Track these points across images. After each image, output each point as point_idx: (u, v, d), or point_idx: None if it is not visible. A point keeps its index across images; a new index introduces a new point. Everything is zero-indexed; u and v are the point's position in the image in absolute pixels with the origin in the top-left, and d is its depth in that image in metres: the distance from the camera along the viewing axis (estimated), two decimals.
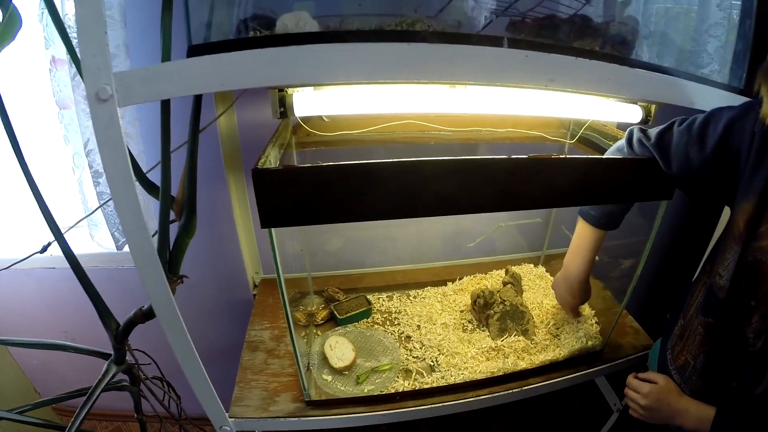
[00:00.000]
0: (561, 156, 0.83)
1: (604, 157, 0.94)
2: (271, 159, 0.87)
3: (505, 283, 1.25)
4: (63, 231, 0.84)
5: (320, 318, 1.25)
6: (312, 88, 0.89)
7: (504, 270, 1.35)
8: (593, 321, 1.23)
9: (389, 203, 0.80)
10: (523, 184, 0.82)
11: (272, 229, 0.83)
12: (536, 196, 0.85)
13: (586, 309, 1.27)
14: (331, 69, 0.69)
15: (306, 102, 0.86)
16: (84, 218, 1.31)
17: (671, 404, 0.84)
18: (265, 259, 1.43)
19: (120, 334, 0.93)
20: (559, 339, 1.19)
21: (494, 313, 1.16)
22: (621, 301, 1.14)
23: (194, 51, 0.73)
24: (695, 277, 0.87)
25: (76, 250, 0.84)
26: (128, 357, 0.97)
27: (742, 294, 0.70)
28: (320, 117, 1.12)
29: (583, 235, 1.03)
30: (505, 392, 1.09)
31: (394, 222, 1.44)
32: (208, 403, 0.94)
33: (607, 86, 0.81)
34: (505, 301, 1.17)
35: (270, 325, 1.31)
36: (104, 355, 0.98)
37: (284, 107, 0.85)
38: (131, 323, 0.90)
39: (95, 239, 1.36)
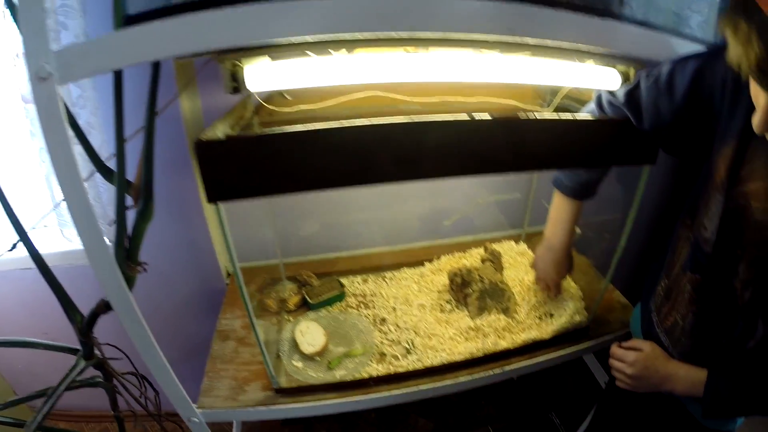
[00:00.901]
0: (529, 113, 0.76)
1: (574, 116, 0.88)
2: (218, 133, 0.81)
3: (483, 261, 1.19)
4: (30, 229, 0.80)
5: (292, 304, 1.20)
6: (268, 59, 0.84)
7: (483, 248, 1.29)
8: (578, 296, 1.18)
9: (343, 170, 0.74)
10: (488, 145, 0.76)
11: (221, 206, 0.77)
12: (503, 159, 0.79)
13: (570, 284, 1.22)
14: (268, 25, 0.63)
15: (261, 75, 0.80)
16: (46, 215, 1.27)
17: (659, 370, 0.80)
18: (238, 246, 1.38)
19: (84, 326, 0.88)
20: (542, 316, 1.13)
21: (472, 292, 1.10)
22: (607, 277, 1.08)
23: (130, 21, 0.68)
24: (675, 232, 0.83)
25: (51, 248, 0.80)
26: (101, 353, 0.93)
27: (729, 245, 0.67)
28: (282, 95, 1.07)
29: (559, 206, 1.00)
30: (486, 373, 1.04)
31: (370, 204, 1.38)
32: (174, 394, 0.90)
33: (575, 35, 0.74)
34: (483, 279, 1.11)
35: (242, 314, 1.26)
36: (75, 351, 0.93)
37: (237, 82, 0.80)
38: (94, 315, 0.86)
39: (65, 235, 1.32)
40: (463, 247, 1.38)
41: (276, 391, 1.02)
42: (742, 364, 0.72)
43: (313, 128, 0.70)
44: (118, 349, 1.00)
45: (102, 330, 0.86)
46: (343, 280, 1.25)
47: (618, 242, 1.03)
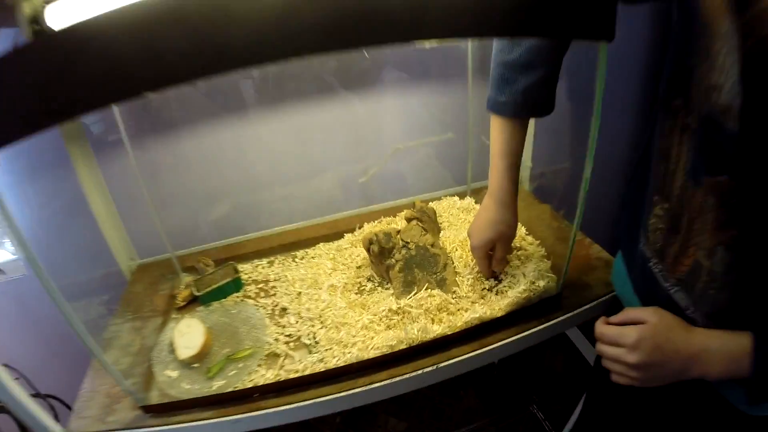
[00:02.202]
0: None
1: None
2: None
3: (409, 220, 0.89)
4: None
5: (181, 299, 0.94)
6: None
7: (412, 206, 0.98)
8: (540, 254, 0.86)
9: (157, 66, 0.44)
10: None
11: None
12: (388, 23, 0.47)
13: (527, 240, 0.90)
14: None
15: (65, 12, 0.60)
16: None
17: (680, 348, 0.52)
18: (139, 242, 1.13)
19: None
20: (493, 286, 0.83)
21: (395, 262, 0.81)
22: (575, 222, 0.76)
23: None
24: (658, 129, 0.56)
25: None
26: None
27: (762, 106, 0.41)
28: None
29: (500, 136, 0.73)
30: (413, 373, 0.75)
31: (287, 177, 1.10)
32: (30, 421, 0.70)
33: None
34: (408, 243, 0.81)
35: (132, 317, 1.02)
36: None
37: (38, 23, 0.61)
38: None
39: None
40: (396, 212, 1.08)
41: (144, 409, 0.78)
42: None
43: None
44: (16, 371, 0.95)
45: None
46: (246, 265, 0.98)
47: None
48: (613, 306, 0.79)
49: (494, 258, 0.80)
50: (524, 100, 0.68)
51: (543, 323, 0.80)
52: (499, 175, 0.75)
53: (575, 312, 0.82)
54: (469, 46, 1.00)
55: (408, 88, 1.08)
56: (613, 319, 0.60)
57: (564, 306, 0.82)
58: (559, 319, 0.81)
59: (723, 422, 0.59)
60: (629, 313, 0.58)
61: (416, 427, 1.29)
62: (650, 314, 0.55)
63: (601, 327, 0.60)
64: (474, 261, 0.84)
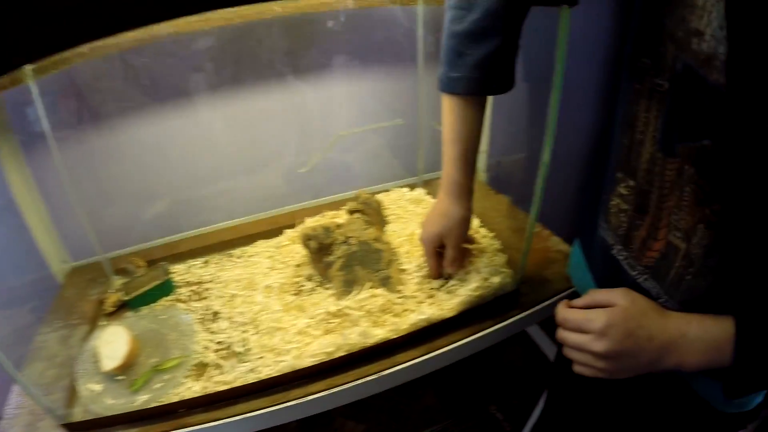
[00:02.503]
0: None
1: None
2: None
3: (351, 213, 0.81)
4: None
5: (110, 304, 0.86)
6: None
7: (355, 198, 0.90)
8: (494, 248, 0.79)
9: None
10: None
11: None
12: None
13: (483, 237, 0.83)
14: None
15: None
16: None
17: (654, 334, 0.45)
18: (73, 243, 1.04)
19: None
20: (442, 285, 0.75)
21: (335, 260, 0.73)
22: (532, 212, 0.69)
23: None
24: (622, 94, 0.50)
25: None
26: None
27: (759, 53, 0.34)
28: None
29: (452, 119, 0.64)
30: (354, 382, 0.68)
31: (224, 170, 1.01)
32: None
33: None
34: (349, 238, 0.73)
35: (61, 325, 0.93)
36: None
37: None
38: None
39: None
40: (342, 205, 1.00)
41: (65, 427, 0.70)
42: None
43: None
44: None
45: None
46: (180, 266, 0.90)
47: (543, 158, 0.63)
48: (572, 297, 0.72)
49: (445, 257, 0.73)
50: (479, 74, 0.59)
51: (499, 322, 0.74)
52: (449, 164, 0.67)
53: (534, 309, 0.75)
54: (420, 26, 0.91)
55: (359, 74, 0.99)
56: (577, 302, 0.52)
57: (522, 303, 0.75)
58: (516, 317, 0.74)
59: (693, 419, 0.54)
60: (595, 295, 0.51)
61: (375, 429, 1.23)
62: (620, 296, 0.48)
63: (563, 311, 0.52)
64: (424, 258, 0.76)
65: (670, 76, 0.42)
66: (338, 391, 0.67)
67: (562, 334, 0.52)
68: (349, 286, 0.73)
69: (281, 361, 0.68)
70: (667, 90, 0.42)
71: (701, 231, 0.43)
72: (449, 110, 0.64)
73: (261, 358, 0.70)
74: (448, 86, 0.62)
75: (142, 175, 0.97)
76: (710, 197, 0.42)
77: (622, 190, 0.51)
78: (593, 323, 0.47)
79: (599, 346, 0.47)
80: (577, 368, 0.51)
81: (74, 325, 0.86)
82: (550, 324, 0.77)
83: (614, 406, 0.64)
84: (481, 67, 0.58)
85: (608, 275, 0.56)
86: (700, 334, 0.44)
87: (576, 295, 0.70)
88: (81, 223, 0.89)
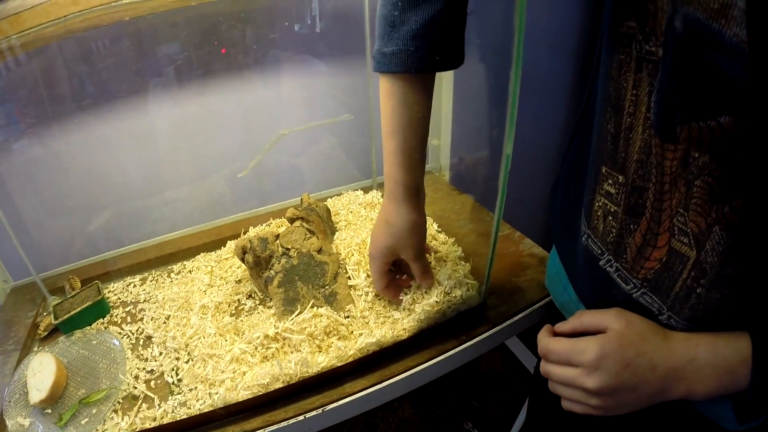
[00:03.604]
0: None
1: None
2: None
3: (291, 221, 0.71)
4: None
5: (43, 328, 0.79)
6: None
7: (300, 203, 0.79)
8: (456, 256, 0.68)
9: None
10: None
11: None
12: None
13: (441, 243, 0.72)
14: None
15: None
16: None
17: (656, 363, 0.38)
18: (12, 262, 0.95)
19: None
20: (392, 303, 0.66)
21: (274, 275, 0.64)
22: (496, 211, 0.58)
23: None
24: (597, 71, 0.42)
25: None
26: None
27: None
28: None
29: (389, 104, 0.53)
30: (294, 419, 0.59)
31: (166, 178, 0.91)
32: None
33: None
34: (289, 250, 0.64)
35: None
36: None
37: None
38: None
39: None
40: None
41: None
42: None
43: None
44: None
45: None
46: (118, 284, 0.82)
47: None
48: (553, 312, 0.62)
49: (414, 272, 0.62)
50: (418, 46, 0.48)
51: (464, 342, 0.64)
52: (389, 162, 0.56)
53: (505, 324, 0.66)
54: (366, 9, 0.78)
55: (307, 69, 0.88)
56: (562, 327, 0.44)
57: (490, 318, 0.65)
58: (484, 334, 0.65)
59: None
60: (583, 318, 0.43)
61: None
62: (613, 319, 0.41)
63: (545, 341, 0.44)
64: None
65: (664, 39, 0.32)
66: (276, 429, 0.59)
67: (547, 368, 0.44)
68: (290, 304, 0.64)
69: (215, 394, 0.60)
70: (660, 58, 0.33)
71: (717, 234, 0.34)
72: (386, 95, 0.53)
73: (192, 389, 0.62)
74: (382, 64, 0.51)
75: (81, 186, 0.89)
76: (729, 192, 0.32)
77: (609, 188, 0.41)
78: (583, 354, 0.40)
79: (592, 381, 0.39)
80: (566, 404, 0.43)
81: (9, 351, 0.79)
82: (527, 331, 0.67)
83: (603, 420, 0.54)
84: (420, 36, 0.48)
85: (595, 291, 0.47)
86: (710, 358, 0.37)
87: (555, 311, 0.59)
88: (20, 240, 0.81)
